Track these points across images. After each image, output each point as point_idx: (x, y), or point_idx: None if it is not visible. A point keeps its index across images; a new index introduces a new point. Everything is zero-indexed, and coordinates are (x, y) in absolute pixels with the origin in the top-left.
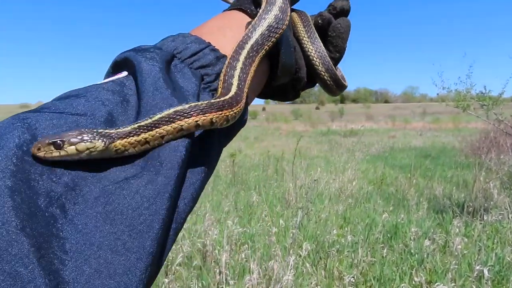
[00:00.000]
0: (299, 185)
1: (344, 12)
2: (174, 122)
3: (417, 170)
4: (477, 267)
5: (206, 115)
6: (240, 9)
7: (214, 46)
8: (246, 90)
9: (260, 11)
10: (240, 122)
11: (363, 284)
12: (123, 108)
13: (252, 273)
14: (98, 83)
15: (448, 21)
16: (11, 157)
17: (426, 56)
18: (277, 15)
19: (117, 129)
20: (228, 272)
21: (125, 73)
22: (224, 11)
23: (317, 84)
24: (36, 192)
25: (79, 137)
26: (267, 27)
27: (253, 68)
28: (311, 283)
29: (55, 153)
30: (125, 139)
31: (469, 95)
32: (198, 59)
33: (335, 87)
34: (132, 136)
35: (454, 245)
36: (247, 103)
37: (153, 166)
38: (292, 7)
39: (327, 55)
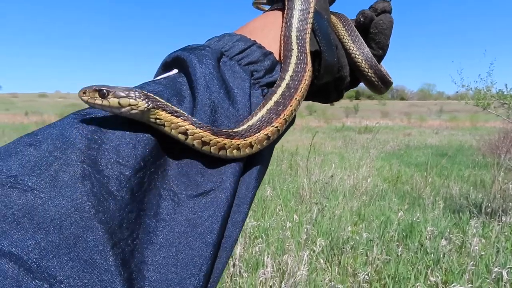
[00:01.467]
0: (314, 180)
1: (385, 12)
2: (224, 137)
3: (433, 169)
4: (495, 269)
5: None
6: (281, 9)
7: (260, 44)
8: (301, 85)
9: (286, 11)
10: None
11: (377, 282)
12: (178, 101)
13: (266, 266)
14: (149, 80)
15: (468, 17)
16: (77, 146)
17: (444, 52)
18: (300, 9)
19: (166, 102)
20: (242, 265)
21: (175, 71)
22: (264, 12)
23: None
24: (106, 176)
25: (126, 93)
26: (297, 21)
27: (309, 63)
28: (325, 279)
29: (98, 101)
30: (168, 114)
31: (489, 94)
32: (246, 56)
33: (381, 84)
34: (177, 116)
35: (471, 245)
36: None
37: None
38: (330, 9)
39: (369, 52)
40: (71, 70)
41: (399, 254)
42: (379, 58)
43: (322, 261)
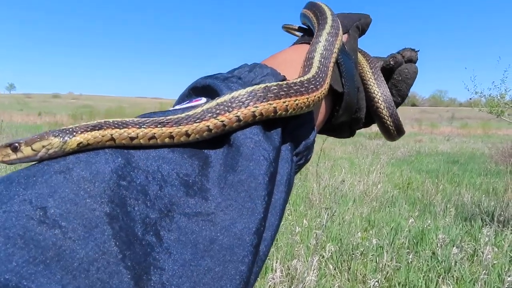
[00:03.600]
0: (323, 185)
1: (411, 62)
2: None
3: (444, 176)
4: (508, 278)
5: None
6: (307, 43)
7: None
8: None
9: (315, 33)
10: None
11: None
12: None
13: (275, 271)
14: (177, 107)
15: (483, 23)
16: (107, 182)
17: (457, 59)
18: (327, 38)
19: (87, 122)
20: None
21: (203, 100)
22: (294, 43)
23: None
24: (133, 219)
25: (36, 137)
26: (324, 41)
27: (326, 85)
28: (334, 285)
29: (13, 156)
30: (88, 133)
31: (503, 101)
32: None
33: (396, 133)
34: (97, 130)
35: (483, 254)
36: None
37: (236, 192)
38: (358, 47)
39: (392, 100)
40: (84, 71)
41: (409, 262)
42: (397, 105)
43: (331, 266)
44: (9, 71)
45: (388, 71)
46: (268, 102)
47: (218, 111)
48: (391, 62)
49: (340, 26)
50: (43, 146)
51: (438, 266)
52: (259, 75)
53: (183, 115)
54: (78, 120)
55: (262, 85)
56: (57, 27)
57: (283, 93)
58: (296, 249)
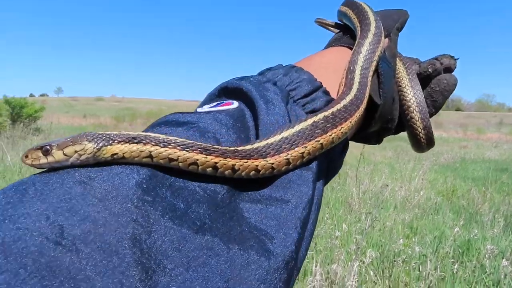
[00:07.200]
0: (363, 190)
1: (448, 70)
2: (211, 154)
3: (492, 184)
4: None
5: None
6: (346, 46)
7: (325, 88)
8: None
9: (357, 41)
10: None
11: None
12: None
13: (315, 275)
14: (205, 108)
15: None
16: (131, 197)
17: (506, 61)
18: (368, 48)
19: (127, 132)
20: None
21: (235, 104)
22: (327, 45)
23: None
24: (156, 240)
25: (69, 140)
26: (366, 51)
27: (364, 104)
28: None
29: (43, 160)
30: (126, 145)
31: None
32: (311, 102)
33: (426, 144)
34: (136, 143)
35: None
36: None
37: (274, 211)
38: (398, 52)
39: (427, 111)
40: (127, 75)
41: (455, 272)
42: (430, 116)
43: (372, 273)
44: (58, 76)
45: (425, 78)
46: (316, 140)
47: (267, 152)
48: (429, 70)
49: (383, 32)
50: (76, 151)
51: (486, 279)
52: (295, 80)
53: (231, 148)
54: (121, 122)
55: (310, 121)
56: (101, 35)
57: (329, 125)
58: (336, 253)
